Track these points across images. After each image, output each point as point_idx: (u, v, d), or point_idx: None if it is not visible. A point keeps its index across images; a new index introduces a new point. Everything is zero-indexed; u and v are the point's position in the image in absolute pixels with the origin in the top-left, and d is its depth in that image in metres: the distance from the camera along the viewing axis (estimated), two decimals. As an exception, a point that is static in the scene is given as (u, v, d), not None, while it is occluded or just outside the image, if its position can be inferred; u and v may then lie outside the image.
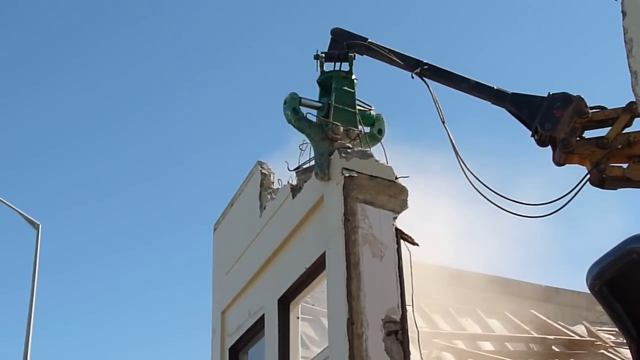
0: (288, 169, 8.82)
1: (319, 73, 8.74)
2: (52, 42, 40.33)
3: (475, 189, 7.62)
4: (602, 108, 7.36)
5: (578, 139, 7.27)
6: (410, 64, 8.35)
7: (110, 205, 41.05)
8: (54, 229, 43.00)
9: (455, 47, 32.86)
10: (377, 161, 8.03)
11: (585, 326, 11.91)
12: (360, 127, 8.48)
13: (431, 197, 10.50)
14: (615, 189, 7.19)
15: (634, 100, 7.01)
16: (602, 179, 7.12)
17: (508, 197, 7.42)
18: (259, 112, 38.00)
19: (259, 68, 38.25)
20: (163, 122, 41.15)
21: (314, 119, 8.52)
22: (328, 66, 8.72)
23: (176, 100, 39.93)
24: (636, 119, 7.25)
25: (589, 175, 7.15)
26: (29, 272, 21.19)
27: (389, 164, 8.08)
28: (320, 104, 8.62)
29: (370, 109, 8.83)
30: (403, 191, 7.93)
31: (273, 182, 9.74)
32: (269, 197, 9.59)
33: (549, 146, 7.48)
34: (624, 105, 7.23)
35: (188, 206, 41.64)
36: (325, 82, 8.70)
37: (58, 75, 40.45)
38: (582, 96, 7.39)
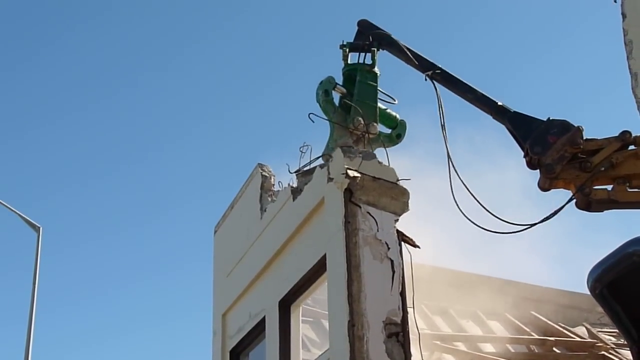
0: (289, 171, 8.86)
1: (342, 63, 8.98)
2: (55, 46, 40.39)
3: (455, 201, 7.67)
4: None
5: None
6: (425, 65, 8.46)
7: (109, 207, 40.98)
8: (54, 231, 42.93)
9: (459, 51, 32.88)
10: (380, 162, 8.04)
11: (586, 328, 11.91)
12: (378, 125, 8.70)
13: (431, 198, 10.49)
14: (602, 211, 7.15)
15: (627, 130, 7.03)
16: (588, 203, 7.07)
17: (492, 213, 7.42)
18: (260, 114, 38.03)
19: (258, 70, 38.28)
20: (162, 122, 41.18)
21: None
22: (352, 57, 9.01)
23: (176, 101, 39.94)
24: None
25: (574, 199, 7.09)
26: (29, 275, 21.23)
27: (390, 166, 8.10)
28: (346, 91, 8.89)
29: (394, 102, 9.07)
30: (405, 193, 7.94)
31: (273, 185, 9.74)
32: (269, 199, 9.58)
33: (538, 169, 7.39)
34: (617, 134, 7.18)
35: (188, 208, 41.59)
36: (350, 74, 8.96)
37: (60, 80, 40.50)
38: (581, 127, 7.31)
